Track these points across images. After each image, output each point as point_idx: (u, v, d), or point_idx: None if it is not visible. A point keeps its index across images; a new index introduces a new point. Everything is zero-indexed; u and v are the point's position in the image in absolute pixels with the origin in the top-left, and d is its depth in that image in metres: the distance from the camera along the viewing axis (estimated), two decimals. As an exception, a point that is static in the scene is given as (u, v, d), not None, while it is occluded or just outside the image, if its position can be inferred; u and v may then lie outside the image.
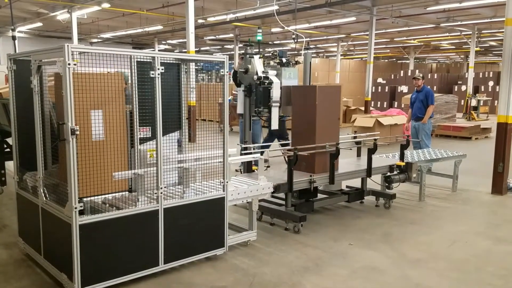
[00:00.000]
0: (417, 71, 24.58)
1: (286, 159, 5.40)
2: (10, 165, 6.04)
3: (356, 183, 6.76)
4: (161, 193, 3.99)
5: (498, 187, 7.41)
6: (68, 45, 3.35)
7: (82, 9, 17.05)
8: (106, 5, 15.64)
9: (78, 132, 3.44)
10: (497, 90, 21.11)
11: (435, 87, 24.73)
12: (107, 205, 4.10)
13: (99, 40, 26.90)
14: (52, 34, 25.40)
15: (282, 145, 7.02)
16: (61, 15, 18.05)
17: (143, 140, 4.26)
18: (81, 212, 3.58)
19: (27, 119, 4.21)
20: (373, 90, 21.88)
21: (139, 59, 4.12)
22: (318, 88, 5.66)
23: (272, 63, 6.33)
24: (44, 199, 3.99)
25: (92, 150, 3.90)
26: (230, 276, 4.22)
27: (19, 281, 4.07)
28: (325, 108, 5.69)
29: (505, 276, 4.35)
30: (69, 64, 3.34)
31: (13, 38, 8.49)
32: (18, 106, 4.43)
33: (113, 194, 4.20)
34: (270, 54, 6.50)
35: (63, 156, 3.92)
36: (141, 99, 4.10)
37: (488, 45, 27.96)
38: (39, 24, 20.74)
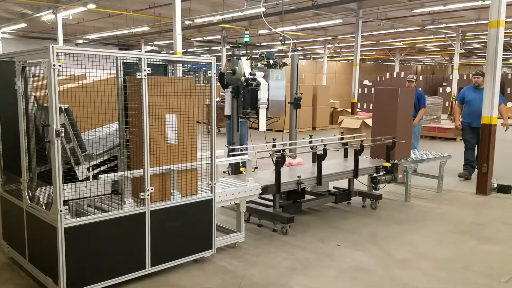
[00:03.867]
0: (402, 73, 24.84)
1: (274, 160, 5.40)
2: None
3: (343, 184, 6.80)
4: (148, 195, 3.97)
5: (482, 187, 7.51)
6: (53, 46, 3.31)
7: (68, 10, 16.85)
8: (91, 6, 15.47)
9: (63, 134, 3.40)
10: (481, 91, 21.33)
11: (420, 88, 24.93)
12: (93, 207, 4.06)
13: (85, 41, 26.62)
14: (37, 35, 25.09)
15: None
16: (46, 16, 17.80)
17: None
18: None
19: (11, 121, 4.14)
20: (360, 92, 21.97)
21: (125, 60, 4.09)
22: (400, 90, 6.74)
23: (259, 64, 6.32)
24: (29, 202, 3.93)
25: (165, 154, 4.08)
26: (218, 278, 4.20)
27: (3, 285, 4.00)
28: (403, 106, 6.80)
29: (490, 275, 4.40)
30: (54, 65, 3.30)
31: (-3, 38, 8.37)
32: (2, 108, 4.36)
33: (100, 197, 4.16)
34: (258, 56, 6.50)
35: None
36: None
37: (472, 47, 28.36)
38: (24, 25, 20.44)
